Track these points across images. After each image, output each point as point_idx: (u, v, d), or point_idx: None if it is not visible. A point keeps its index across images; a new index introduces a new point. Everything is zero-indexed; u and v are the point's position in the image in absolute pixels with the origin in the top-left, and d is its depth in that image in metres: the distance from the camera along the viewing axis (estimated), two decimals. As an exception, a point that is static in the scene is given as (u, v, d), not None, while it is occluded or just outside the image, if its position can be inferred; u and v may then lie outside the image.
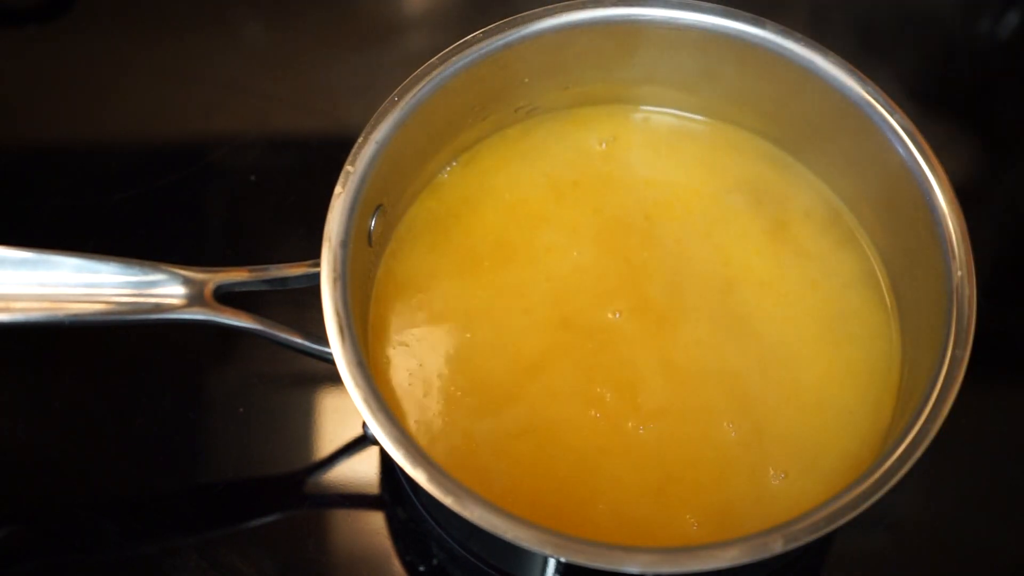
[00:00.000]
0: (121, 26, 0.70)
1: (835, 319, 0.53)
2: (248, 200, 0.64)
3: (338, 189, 0.48)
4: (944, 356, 0.46)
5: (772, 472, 0.49)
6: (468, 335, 0.52)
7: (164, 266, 0.47)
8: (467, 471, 0.49)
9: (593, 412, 0.50)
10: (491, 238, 0.55)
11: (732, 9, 0.54)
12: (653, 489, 0.49)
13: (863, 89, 0.52)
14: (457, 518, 0.42)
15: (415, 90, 0.51)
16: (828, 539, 0.55)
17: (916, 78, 0.70)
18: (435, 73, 0.52)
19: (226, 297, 0.48)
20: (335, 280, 0.46)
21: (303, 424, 0.57)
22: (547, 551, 0.41)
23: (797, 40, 0.53)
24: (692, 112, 0.58)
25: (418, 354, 0.51)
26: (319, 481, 0.56)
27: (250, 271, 0.48)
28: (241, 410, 0.57)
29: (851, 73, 0.52)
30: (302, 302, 0.53)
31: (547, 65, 0.55)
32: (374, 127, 0.50)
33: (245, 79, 0.68)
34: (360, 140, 0.50)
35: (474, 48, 0.52)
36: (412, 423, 0.50)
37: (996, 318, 0.59)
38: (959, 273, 0.48)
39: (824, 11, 0.72)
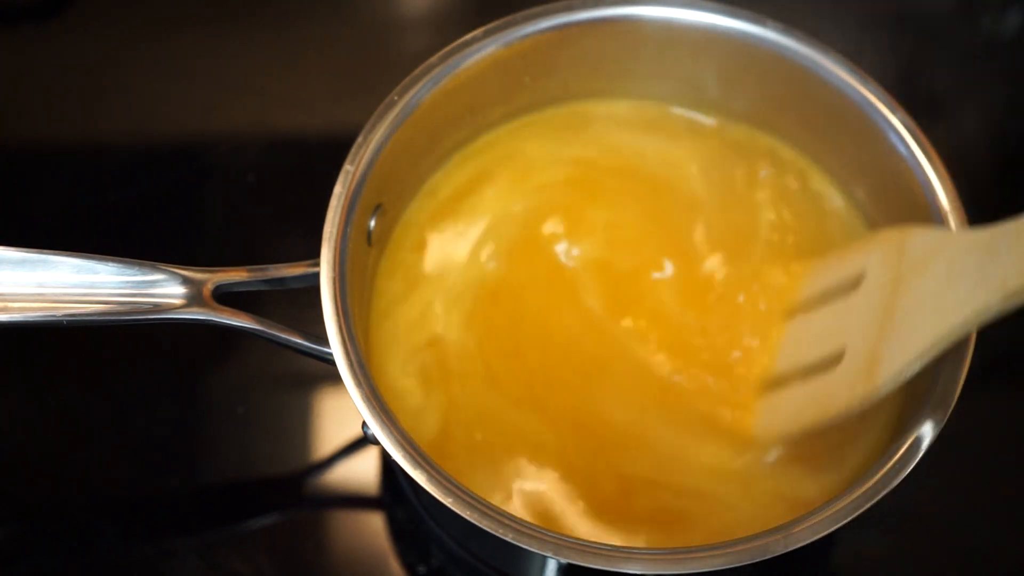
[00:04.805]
0: (118, 25, 0.70)
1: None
2: (247, 200, 0.64)
3: (338, 189, 0.48)
4: (945, 357, 0.46)
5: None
6: (468, 333, 0.52)
7: (163, 266, 0.47)
8: (466, 471, 0.49)
9: (594, 415, 0.50)
10: (491, 236, 0.54)
11: (733, 7, 0.54)
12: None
13: (864, 87, 0.52)
14: (457, 518, 0.42)
15: (415, 90, 0.51)
16: (829, 540, 0.55)
17: (917, 77, 0.70)
18: (435, 73, 0.52)
19: (225, 297, 0.47)
20: (334, 280, 0.46)
21: (303, 424, 0.57)
22: (547, 552, 0.41)
23: (798, 38, 0.53)
24: (694, 110, 0.58)
25: (418, 353, 0.51)
26: (318, 481, 0.55)
27: (249, 271, 0.48)
28: (240, 410, 0.57)
29: (852, 71, 0.52)
30: (302, 302, 0.53)
31: (547, 65, 0.55)
32: (374, 127, 0.50)
33: (244, 78, 0.68)
34: (360, 140, 0.49)
35: (474, 48, 0.52)
36: (413, 423, 0.50)
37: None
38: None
39: (824, 10, 0.72)
